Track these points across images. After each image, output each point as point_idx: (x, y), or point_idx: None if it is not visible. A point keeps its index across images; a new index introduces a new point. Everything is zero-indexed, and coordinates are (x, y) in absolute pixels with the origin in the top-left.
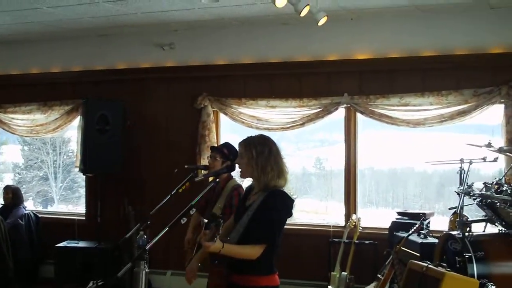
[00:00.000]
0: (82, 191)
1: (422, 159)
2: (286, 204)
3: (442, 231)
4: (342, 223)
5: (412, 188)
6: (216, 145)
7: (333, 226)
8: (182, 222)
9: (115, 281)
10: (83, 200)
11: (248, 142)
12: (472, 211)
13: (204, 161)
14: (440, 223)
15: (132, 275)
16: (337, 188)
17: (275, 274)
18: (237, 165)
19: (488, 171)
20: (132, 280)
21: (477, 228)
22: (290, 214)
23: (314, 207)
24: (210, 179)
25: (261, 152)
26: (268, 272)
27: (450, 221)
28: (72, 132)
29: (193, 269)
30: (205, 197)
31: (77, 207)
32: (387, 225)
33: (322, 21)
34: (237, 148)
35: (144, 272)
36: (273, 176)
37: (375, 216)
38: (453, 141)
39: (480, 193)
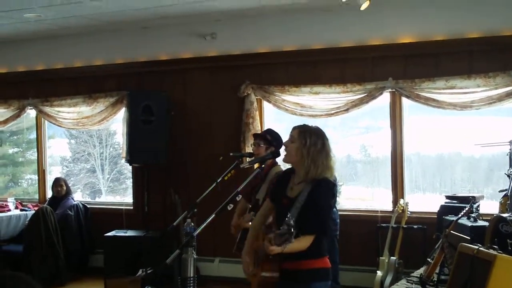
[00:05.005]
0: (129, 182)
1: (469, 143)
2: (332, 191)
3: (492, 215)
4: (389, 209)
5: (459, 172)
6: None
7: (380, 211)
8: (229, 208)
9: (164, 268)
10: (130, 191)
11: (304, 129)
12: None
13: (249, 149)
14: (490, 207)
15: (181, 262)
16: (384, 175)
17: (326, 257)
18: (282, 147)
19: None
20: (181, 267)
21: None
22: (335, 200)
23: (360, 194)
24: (256, 165)
25: (314, 143)
26: (320, 256)
27: (501, 204)
28: (117, 125)
29: (249, 263)
30: (251, 183)
31: (124, 198)
32: (435, 209)
33: (364, 6)
34: (280, 134)
35: (192, 258)
36: (323, 169)
37: (423, 201)
38: (499, 125)
39: None
